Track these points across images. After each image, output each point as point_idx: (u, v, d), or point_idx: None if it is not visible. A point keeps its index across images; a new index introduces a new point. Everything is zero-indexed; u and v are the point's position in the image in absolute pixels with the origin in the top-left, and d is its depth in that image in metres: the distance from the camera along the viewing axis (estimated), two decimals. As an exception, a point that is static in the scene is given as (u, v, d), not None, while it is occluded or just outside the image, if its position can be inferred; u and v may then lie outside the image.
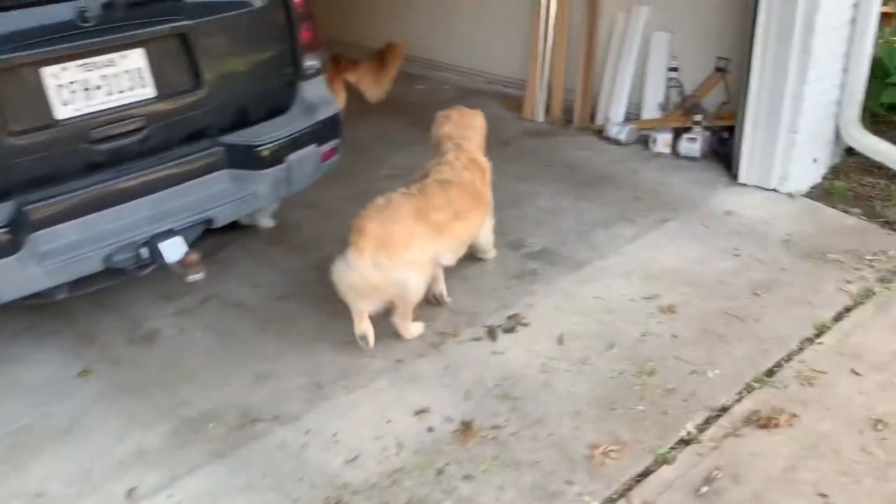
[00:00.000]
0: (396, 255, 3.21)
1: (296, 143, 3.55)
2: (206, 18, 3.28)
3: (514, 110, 6.54)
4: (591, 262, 4.17)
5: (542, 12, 6.18)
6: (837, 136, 4.99)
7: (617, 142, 5.70)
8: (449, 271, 3.86)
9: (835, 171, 5.04)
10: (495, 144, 4.76)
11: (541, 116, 6.33)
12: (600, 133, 5.90)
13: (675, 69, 5.63)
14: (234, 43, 3.47)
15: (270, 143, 3.46)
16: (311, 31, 3.62)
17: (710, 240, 4.34)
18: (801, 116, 4.62)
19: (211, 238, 3.62)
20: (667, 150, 5.49)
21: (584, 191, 5.00)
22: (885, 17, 5.19)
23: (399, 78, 7.57)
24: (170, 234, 3.26)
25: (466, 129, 3.92)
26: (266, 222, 4.49)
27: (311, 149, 3.62)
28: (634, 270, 4.07)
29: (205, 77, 3.36)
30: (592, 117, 6.10)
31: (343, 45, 8.28)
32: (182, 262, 3.31)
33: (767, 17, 4.53)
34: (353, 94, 6.24)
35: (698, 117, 5.40)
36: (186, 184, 3.38)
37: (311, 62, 3.69)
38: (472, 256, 4.08)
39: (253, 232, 4.55)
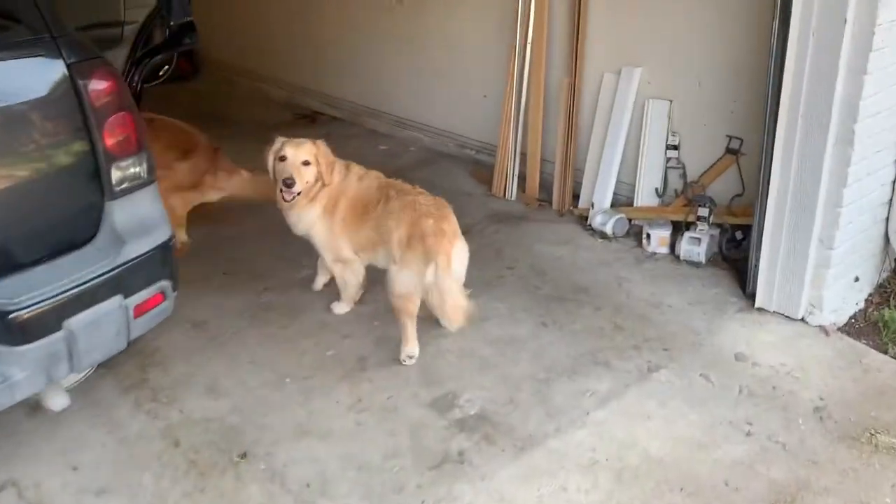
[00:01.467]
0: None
1: (84, 298, 2.37)
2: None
3: (484, 183, 5.35)
4: (543, 441, 2.95)
5: (515, 66, 5.00)
6: (887, 245, 3.74)
7: (603, 234, 4.48)
8: (329, 448, 2.69)
9: (883, 294, 3.78)
10: None
11: (513, 194, 5.13)
12: (584, 220, 4.68)
13: (675, 147, 4.41)
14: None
15: (35, 303, 2.28)
16: (127, 128, 2.46)
17: (713, 405, 3.10)
18: (840, 221, 3.39)
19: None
20: (664, 251, 4.26)
21: (552, 309, 3.78)
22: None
23: (362, 135, 6.47)
24: None
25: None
26: (57, 402, 2.97)
27: (111, 304, 2.45)
28: (603, 459, 2.84)
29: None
30: (575, 199, 4.88)
31: (310, 94, 7.18)
32: None
33: (793, 94, 3.31)
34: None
35: (704, 211, 4.17)
36: None
37: (127, 172, 2.52)
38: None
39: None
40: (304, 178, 3.38)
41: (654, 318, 3.68)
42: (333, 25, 6.68)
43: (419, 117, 6.17)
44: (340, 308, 3.76)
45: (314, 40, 6.93)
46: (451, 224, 3.22)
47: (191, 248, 4.39)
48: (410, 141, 6.23)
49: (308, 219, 3.50)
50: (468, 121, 5.74)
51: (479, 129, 5.64)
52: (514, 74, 5.01)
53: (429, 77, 5.93)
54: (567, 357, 3.41)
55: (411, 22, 5.95)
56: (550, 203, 4.96)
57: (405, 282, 3.20)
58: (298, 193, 3.39)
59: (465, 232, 4.55)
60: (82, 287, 2.34)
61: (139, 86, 4.46)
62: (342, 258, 3.58)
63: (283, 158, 3.41)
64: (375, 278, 3.65)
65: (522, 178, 5.11)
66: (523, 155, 5.10)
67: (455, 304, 3.14)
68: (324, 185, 3.44)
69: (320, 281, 3.96)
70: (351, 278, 3.65)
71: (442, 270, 3.05)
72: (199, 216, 4.89)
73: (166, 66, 8.23)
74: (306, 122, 6.96)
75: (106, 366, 3.40)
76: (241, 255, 4.44)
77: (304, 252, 3.89)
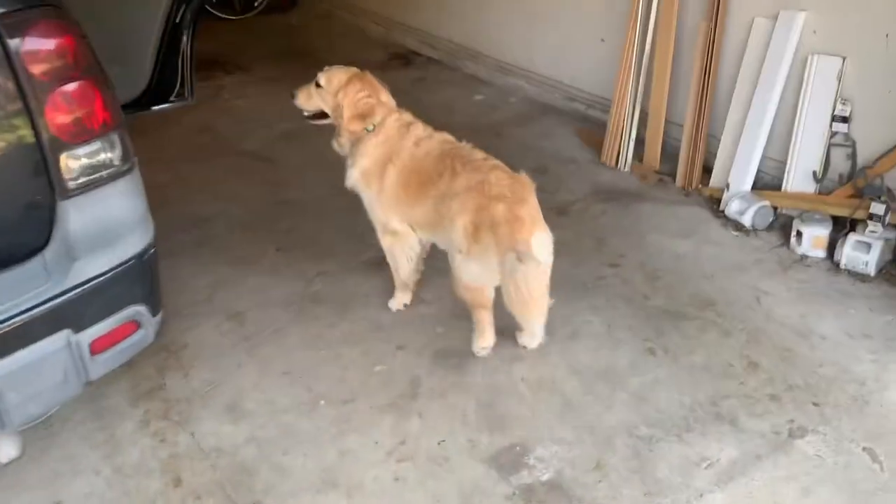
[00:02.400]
0: None
1: (11, 337, 1.74)
2: None
3: (592, 146, 4.44)
4: (636, 535, 2.16)
5: (640, 5, 4.02)
6: None
7: (738, 226, 3.53)
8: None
9: None
10: (549, 207, 2.89)
11: (627, 164, 4.20)
12: (715, 205, 3.73)
13: (844, 119, 3.36)
14: None
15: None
16: (86, 101, 1.78)
17: (882, 501, 2.21)
18: None
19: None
20: (819, 254, 3.28)
21: (664, 330, 2.93)
22: None
23: (458, 81, 5.65)
24: None
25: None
26: (5, 452, 2.38)
27: (53, 343, 1.81)
28: (718, 574, 2.03)
29: None
30: (706, 175, 3.92)
31: (407, 32, 6.39)
32: None
33: None
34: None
35: (878, 207, 3.15)
36: None
37: (87, 161, 1.84)
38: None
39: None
40: (308, 99, 3.01)
41: (801, 355, 2.76)
42: (433, -47, 5.81)
43: (524, 62, 5.27)
44: (395, 303, 3.11)
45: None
46: (531, 208, 2.52)
47: (240, 217, 3.81)
48: (512, 90, 5.36)
49: (352, 174, 2.90)
50: (579, 69, 4.80)
51: (591, 79, 4.71)
52: (637, 14, 4.04)
53: (537, 15, 5.00)
54: (679, 405, 2.57)
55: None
56: (673, 178, 4.01)
57: (473, 274, 2.61)
58: (309, 117, 3.03)
59: (563, 212, 3.76)
60: (8, 322, 1.71)
61: (192, 25, 3.79)
62: (390, 229, 2.91)
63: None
64: (442, 268, 2.90)
65: (640, 144, 4.18)
66: (644, 114, 4.15)
67: (537, 303, 2.54)
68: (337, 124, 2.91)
69: (399, 298, 3.20)
70: (401, 256, 2.96)
71: (519, 262, 2.39)
72: (259, 177, 4.29)
73: (260, -4, 7.71)
74: (400, 62, 6.18)
75: (127, 364, 2.86)
76: (302, 226, 3.80)
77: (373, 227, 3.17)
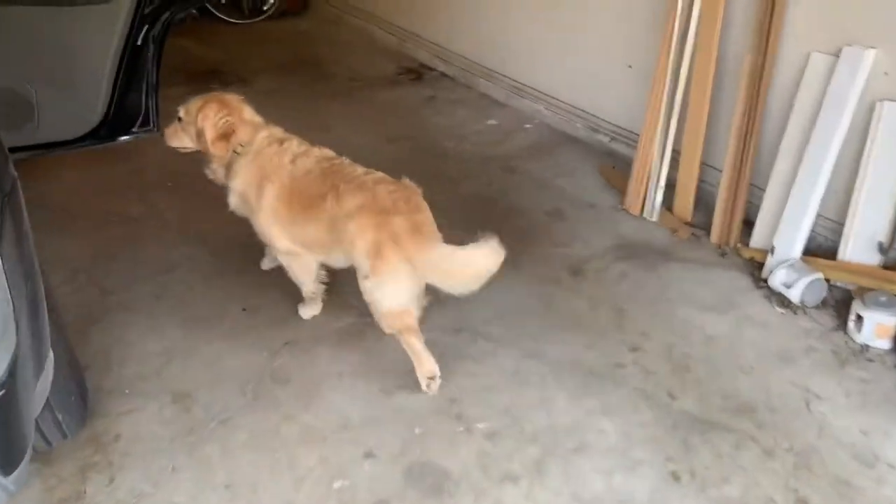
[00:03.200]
0: None
1: None
2: None
3: (616, 188, 3.87)
4: None
5: (675, 28, 3.43)
6: None
7: (784, 300, 2.95)
8: None
9: None
10: (562, 266, 3.01)
11: (655, 212, 3.62)
12: (757, 270, 3.15)
13: (921, 181, 2.75)
14: None
15: None
16: None
17: None
18: None
19: None
20: (884, 346, 2.69)
21: (693, 445, 2.37)
22: None
23: (471, 101, 5.09)
24: None
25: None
26: None
27: None
28: None
29: None
30: (746, 229, 3.33)
31: (420, 44, 5.85)
32: None
33: None
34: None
35: (963, 294, 2.54)
36: None
37: None
38: None
39: None
40: (175, 135, 2.89)
41: (863, 491, 2.18)
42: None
43: (542, 85, 4.70)
44: (307, 311, 2.96)
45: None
46: (427, 215, 2.51)
47: (209, 263, 3.31)
48: (528, 115, 4.79)
49: (230, 197, 2.81)
50: (604, 97, 4.23)
51: (617, 109, 4.13)
52: (671, 39, 3.46)
53: (558, 34, 4.43)
54: (708, 561, 2.00)
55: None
56: (708, 232, 3.43)
57: (391, 295, 2.46)
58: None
59: (577, 271, 3.20)
60: None
61: (156, 49, 3.29)
62: (282, 249, 2.79)
63: None
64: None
65: (671, 188, 3.60)
66: (676, 154, 3.56)
67: (473, 269, 2.36)
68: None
69: (266, 261, 3.19)
70: (301, 273, 2.86)
71: (438, 262, 2.37)
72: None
73: (272, 1, 7.21)
74: (411, 77, 5.64)
75: (46, 459, 2.38)
76: (275, 278, 3.27)
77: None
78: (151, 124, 3.34)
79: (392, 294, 2.46)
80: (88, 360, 2.78)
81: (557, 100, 4.59)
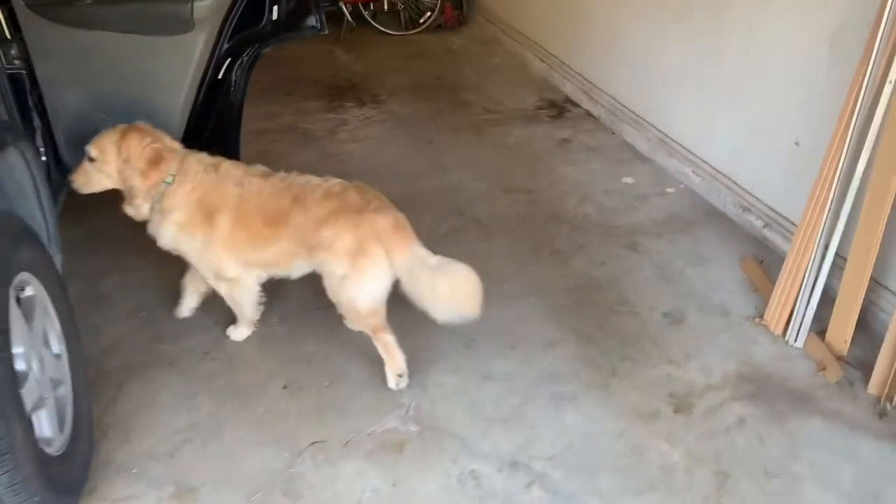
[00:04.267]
0: None
1: None
2: None
3: (758, 290, 3.12)
4: None
5: (859, 103, 2.65)
6: None
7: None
8: None
9: None
10: (664, 394, 2.55)
11: (799, 336, 2.85)
12: (928, 444, 2.33)
13: None
14: None
15: None
16: None
17: None
18: None
19: None
20: None
21: None
22: None
23: (610, 150, 4.45)
24: None
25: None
26: None
27: None
28: None
29: None
30: (920, 388, 2.50)
31: (569, 76, 5.27)
32: None
33: None
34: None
35: None
36: None
37: None
38: None
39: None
40: (87, 179, 2.68)
41: None
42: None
43: (693, 145, 3.98)
44: (239, 333, 2.87)
45: (586, 9, 4.94)
46: (399, 213, 2.56)
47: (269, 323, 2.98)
48: (672, 177, 4.09)
49: (167, 231, 2.67)
50: (763, 173, 3.47)
51: (776, 190, 3.37)
52: (851, 119, 2.68)
53: (718, 90, 3.70)
54: None
55: (703, 10, 3.71)
56: (867, 377, 2.62)
57: (368, 292, 2.51)
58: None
59: (681, 407, 2.56)
60: None
61: (241, 86, 2.98)
62: (226, 277, 2.72)
63: None
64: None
65: (827, 304, 2.81)
66: (840, 260, 2.78)
67: (463, 288, 2.43)
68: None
69: (187, 305, 2.97)
70: (244, 299, 2.79)
71: (415, 262, 2.45)
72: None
73: (428, 14, 6.87)
74: (550, 113, 5.07)
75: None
76: (329, 355, 2.89)
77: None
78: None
79: (372, 291, 2.50)
80: (113, 422, 2.55)
81: (708, 164, 3.85)
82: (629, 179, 4.12)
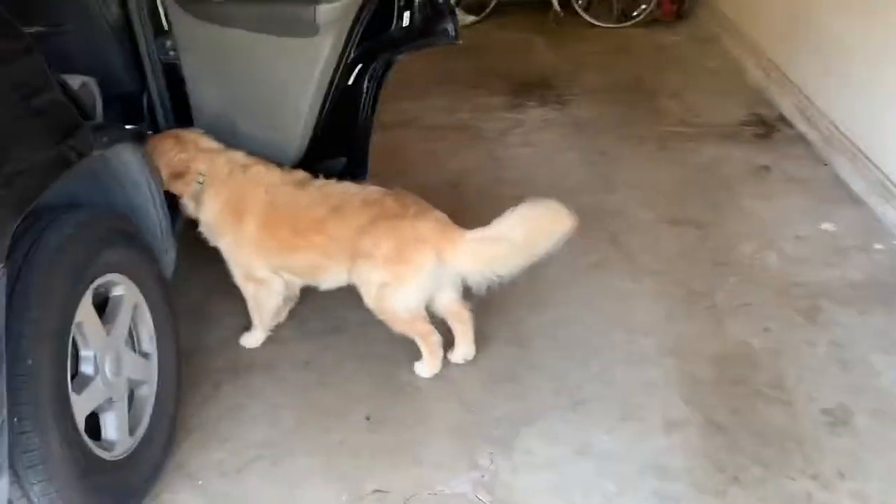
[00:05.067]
0: None
1: None
2: None
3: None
4: None
5: None
6: None
7: None
8: None
9: None
10: None
11: None
12: None
13: None
14: None
15: None
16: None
17: None
18: None
19: None
20: None
21: None
22: None
23: (814, 189, 3.76)
24: None
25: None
26: None
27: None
28: None
29: None
30: None
31: (786, 88, 4.57)
32: None
33: None
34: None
35: None
36: None
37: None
38: None
39: None
40: None
41: None
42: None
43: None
44: (251, 339, 2.83)
45: (806, 11, 4.21)
46: (437, 211, 2.52)
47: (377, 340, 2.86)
48: (886, 230, 3.37)
49: (204, 231, 2.73)
50: None
51: None
52: None
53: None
54: None
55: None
56: None
57: (409, 299, 2.50)
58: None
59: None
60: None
61: (371, 99, 2.82)
62: (254, 278, 2.71)
63: None
64: None
65: None
66: None
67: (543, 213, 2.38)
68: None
69: (256, 336, 2.86)
70: (267, 302, 2.77)
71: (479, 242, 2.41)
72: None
73: (643, 6, 6.28)
74: (756, 133, 4.42)
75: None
76: (421, 384, 2.71)
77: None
78: (359, 173, 2.90)
79: (414, 297, 2.49)
80: (198, 425, 2.54)
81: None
82: (829, 226, 3.42)
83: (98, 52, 2.82)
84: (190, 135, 2.67)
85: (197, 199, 2.67)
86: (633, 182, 3.87)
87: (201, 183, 2.63)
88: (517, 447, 2.38)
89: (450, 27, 2.58)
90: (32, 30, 2.74)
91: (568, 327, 2.89)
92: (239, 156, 2.65)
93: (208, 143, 2.68)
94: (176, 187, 2.64)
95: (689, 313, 2.93)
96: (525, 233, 2.35)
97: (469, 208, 3.64)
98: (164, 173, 2.57)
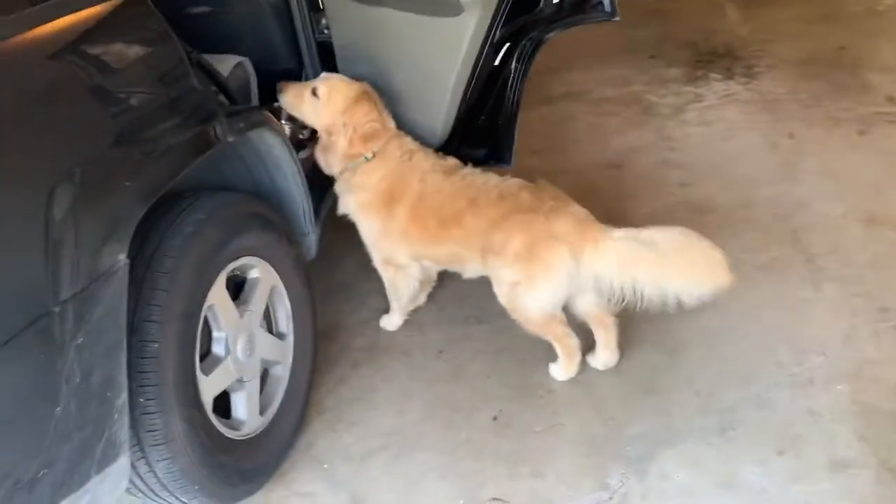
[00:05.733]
0: None
1: None
2: None
3: None
4: None
5: None
6: None
7: None
8: None
9: None
10: None
11: None
12: None
13: None
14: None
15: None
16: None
17: None
18: None
19: None
20: None
21: None
22: None
23: None
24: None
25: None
26: None
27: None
28: None
29: None
30: None
31: None
32: None
33: None
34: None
35: None
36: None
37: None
38: None
39: None
40: (298, 102, 2.61)
41: None
42: None
43: None
44: (390, 322, 2.81)
45: None
46: (577, 206, 2.35)
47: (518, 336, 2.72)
48: None
49: (348, 203, 2.64)
50: None
51: None
52: None
53: None
54: None
55: None
56: None
57: (544, 300, 2.34)
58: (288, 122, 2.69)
59: None
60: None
61: (519, 81, 2.65)
62: (394, 263, 2.67)
63: None
64: None
65: None
66: None
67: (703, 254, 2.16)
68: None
69: (394, 319, 2.83)
70: (404, 287, 2.72)
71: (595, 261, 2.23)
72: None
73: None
74: None
75: None
76: (556, 387, 2.57)
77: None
78: (503, 159, 2.77)
79: (547, 298, 2.34)
80: (331, 406, 2.56)
81: None
82: None
83: (258, 31, 2.87)
84: (380, 102, 2.59)
85: (350, 171, 2.59)
86: (823, 171, 3.40)
87: (368, 159, 2.54)
88: (652, 470, 2.16)
89: (606, 1, 2.33)
90: (197, 10, 2.88)
91: (727, 337, 2.59)
92: (408, 141, 2.58)
93: (391, 121, 2.61)
94: (353, 149, 2.54)
95: (876, 333, 2.52)
96: (678, 253, 2.16)
97: (626, 194, 3.40)
98: (352, 134, 2.51)
